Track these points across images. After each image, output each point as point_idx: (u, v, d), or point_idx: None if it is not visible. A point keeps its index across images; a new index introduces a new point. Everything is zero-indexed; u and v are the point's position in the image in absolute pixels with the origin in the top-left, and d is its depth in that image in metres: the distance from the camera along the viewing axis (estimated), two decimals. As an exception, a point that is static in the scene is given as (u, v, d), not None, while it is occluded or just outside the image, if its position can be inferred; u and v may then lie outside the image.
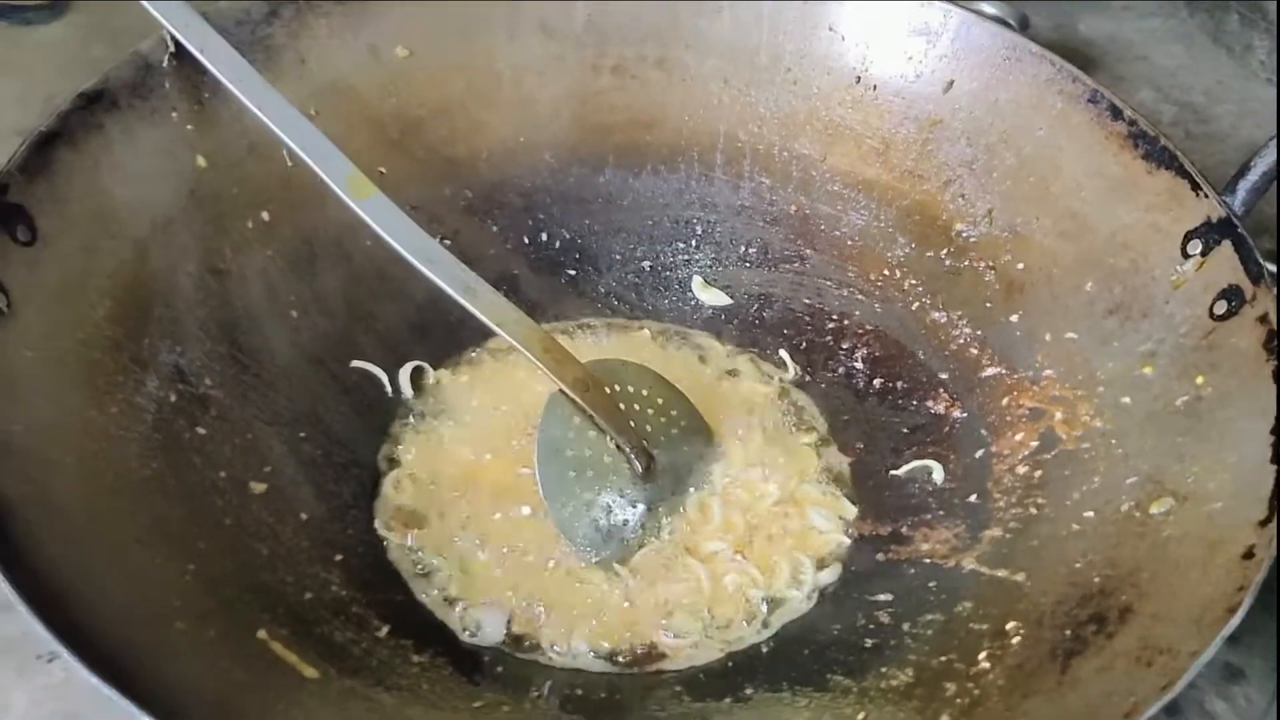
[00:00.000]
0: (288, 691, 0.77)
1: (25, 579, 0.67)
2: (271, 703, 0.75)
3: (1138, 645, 0.76)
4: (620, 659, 0.96)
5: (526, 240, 1.23)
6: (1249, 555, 0.75)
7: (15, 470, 0.74)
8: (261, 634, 0.81)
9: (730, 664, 0.96)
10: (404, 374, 1.13)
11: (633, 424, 1.03)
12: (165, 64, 0.97)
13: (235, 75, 0.96)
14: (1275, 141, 0.91)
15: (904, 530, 1.04)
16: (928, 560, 1.00)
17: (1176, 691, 0.69)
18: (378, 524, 1.03)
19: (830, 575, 1.03)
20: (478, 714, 0.86)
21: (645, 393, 1.06)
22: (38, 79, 1.60)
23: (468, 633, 0.96)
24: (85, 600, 0.70)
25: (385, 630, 0.91)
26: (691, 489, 1.07)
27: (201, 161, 1.00)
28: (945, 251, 1.13)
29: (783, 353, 1.21)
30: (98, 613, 0.70)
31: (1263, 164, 0.91)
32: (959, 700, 0.83)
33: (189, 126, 0.99)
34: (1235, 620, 0.71)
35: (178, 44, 0.96)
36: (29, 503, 0.73)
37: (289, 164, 1.04)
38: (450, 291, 0.97)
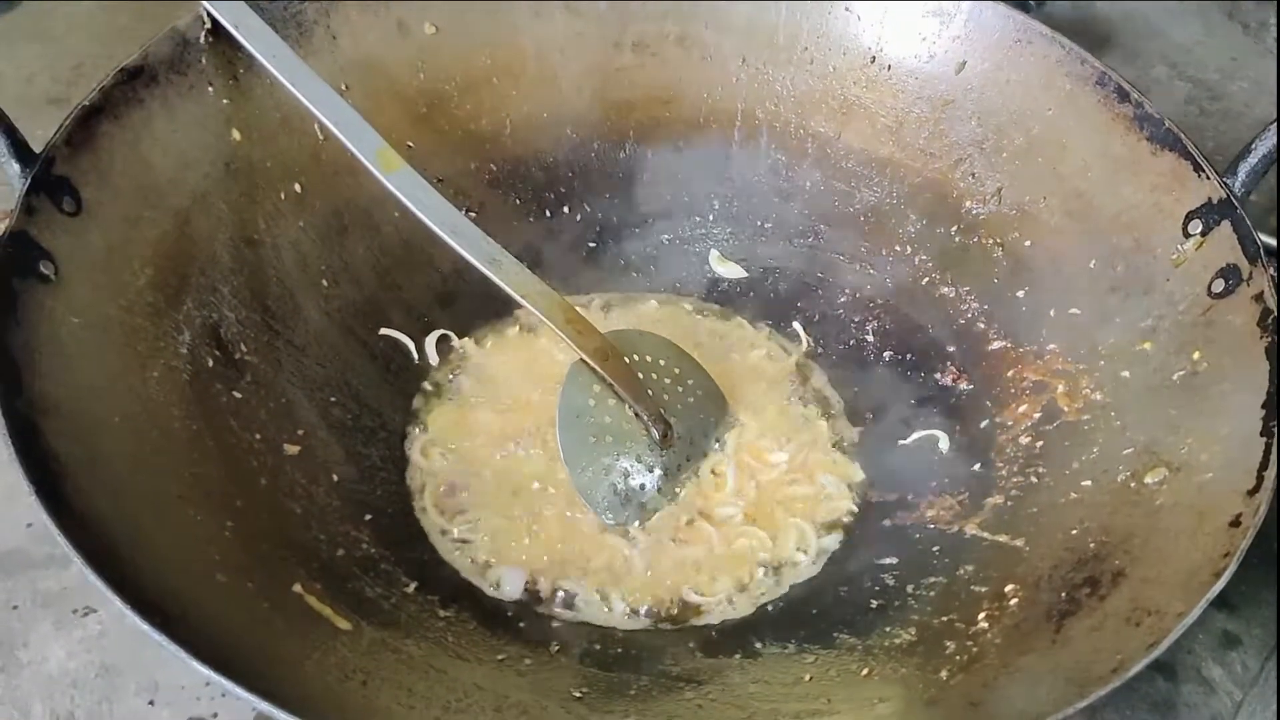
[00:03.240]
0: (322, 641, 0.80)
1: (77, 532, 0.70)
2: (308, 651, 0.78)
3: (1128, 607, 0.79)
4: (643, 616, 0.99)
5: (549, 213, 1.25)
6: (1236, 524, 0.78)
7: (65, 431, 0.76)
8: (297, 588, 0.84)
9: (742, 622, 0.99)
10: (430, 342, 1.16)
11: (650, 393, 1.06)
12: (202, 40, 0.98)
13: (269, 51, 0.98)
14: (1276, 125, 0.93)
15: (910, 497, 1.07)
16: (932, 526, 1.03)
17: (1162, 650, 0.71)
18: (406, 485, 1.06)
19: (837, 540, 1.06)
20: (501, 665, 0.89)
21: (663, 363, 1.09)
22: (66, 48, 1.62)
23: (491, 588, 0.99)
24: (132, 552, 0.73)
25: (413, 586, 0.95)
26: (706, 456, 1.10)
27: (237, 135, 1.02)
28: (955, 228, 1.15)
29: (796, 325, 1.23)
30: (143, 564, 0.73)
31: (1263, 147, 0.92)
32: (958, 657, 0.86)
33: (225, 101, 1.01)
34: (1220, 584, 0.74)
35: (214, 20, 0.98)
36: (78, 461, 0.75)
37: (320, 138, 1.07)
38: (475, 263, 0.99)
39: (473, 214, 1.16)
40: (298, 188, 1.08)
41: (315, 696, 0.74)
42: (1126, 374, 0.97)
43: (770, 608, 1.01)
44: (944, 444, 1.10)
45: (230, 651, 0.70)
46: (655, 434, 1.05)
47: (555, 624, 0.97)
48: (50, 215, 0.84)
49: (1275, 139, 0.92)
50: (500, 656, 0.90)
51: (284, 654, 0.76)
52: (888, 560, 1.02)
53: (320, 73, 1.00)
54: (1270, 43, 1.71)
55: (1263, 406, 0.84)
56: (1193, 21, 1.80)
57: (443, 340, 1.17)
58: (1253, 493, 0.79)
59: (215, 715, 0.93)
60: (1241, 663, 1.04)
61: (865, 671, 0.89)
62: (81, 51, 1.63)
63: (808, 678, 0.90)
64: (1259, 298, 0.88)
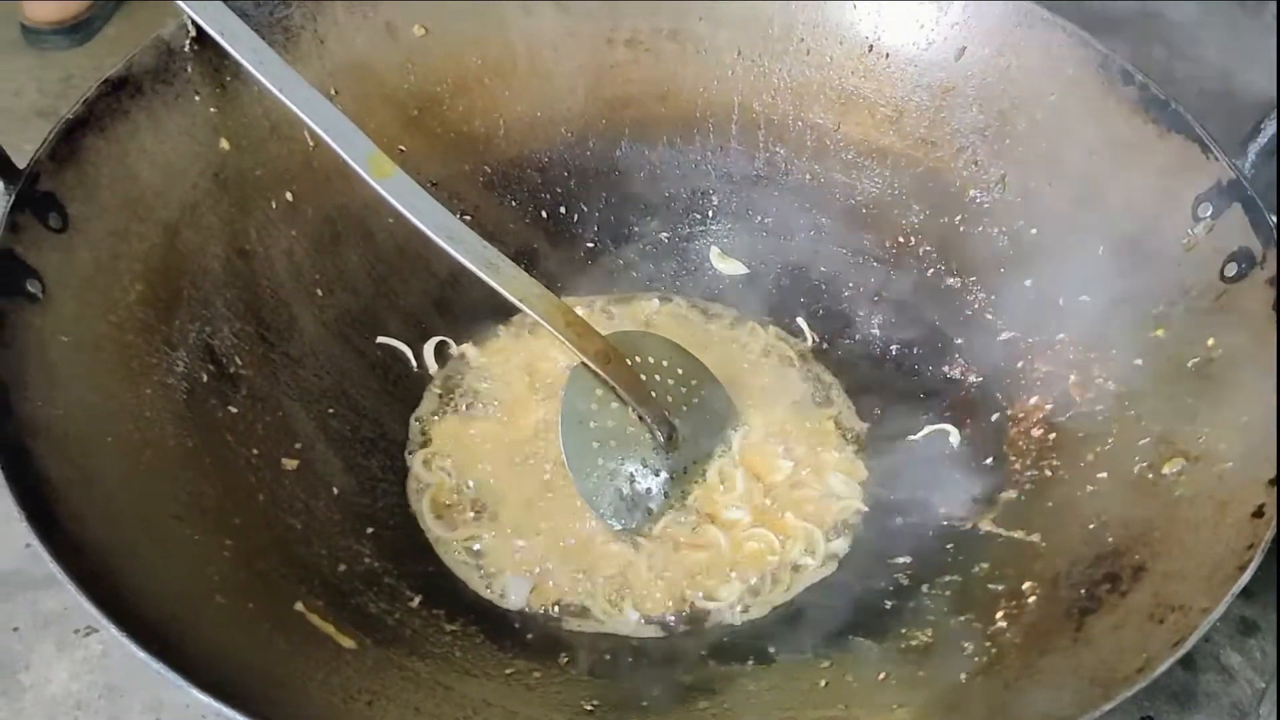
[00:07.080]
0: (326, 661, 0.79)
1: (70, 557, 0.69)
2: (311, 672, 0.77)
3: (1151, 603, 0.77)
4: (653, 623, 0.98)
5: (545, 214, 1.24)
6: (1259, 514, 0.76)
7: (57, 453, 0.75)
8: (299, 606, 0.83)
9: (754, 627, 0.98)
10: (428, 349, 1.15)
11: (654, 394, 1.04)
12: (187, 49, 0.97)
13: (256, 58, 0.97)
14: (1282, 105, 0.92)
15: (921, 494, 1.05)
16: (945, 523, 1.02)
17: (1188, 648, 0.70)
18: (408, 496, 1.05)
19: (848, 540, 1.04)
20: (509, 680, 0.88)
21: (666, 363, 1.08)
22: (54, 59, 1.62)
23: (497, 598, 0.98)
24: (128, 576, 0.72)
25: (418, 600, 0.94)
26: (712, 457, 1.08)
27: (225, 144, 1.01)
28: (959, 218, 1.14)
29: (800, 321, 1.22)
30: (141, 588, 0.72)
31: (1271, 126, 0.91)
32: (977, 659, 0.84)
33: (212, 110, 1.00)
34: (1245, 577, 0.72)
35: (198, 28, 0.97)
36: (71, 484, 0.74)
37: (311, 145, 1.06)
38: (472, 267, 0.97)
39: (468, 217, 1.15)
40: (289, 196, 1.07)
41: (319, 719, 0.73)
42: (1140, 362, 0.96)
43: (782, 611, 0.99)
44: (954, 439, 1.09)
45: (231, 676, 0.69)
46: (660, 437, 1.03)
47: (564, 634, 0.96)
48: (36, 232, 0.83)
49: (1286, 116, 0.90)
50: (509, 670, 0.89)
51: (287, 676, 0.75)
52: (901, 559, 1.00)
53: (308, 78, 0.99)
54: (1269, 20, 1.69)
55: (1280, 392, 0.82)
56: (1189, 1, 1.78)
57: (441, 347, 1.16)
58: (1275, 482, 0.77)
59: (222, 733, 0.93)
60: (1260, 649, 1.03)
61: (882, 675, 0.87)
62: (70, 63, 1.62)
63: (823, 683, 0.88)
64: (1273, 281, 0.87)
